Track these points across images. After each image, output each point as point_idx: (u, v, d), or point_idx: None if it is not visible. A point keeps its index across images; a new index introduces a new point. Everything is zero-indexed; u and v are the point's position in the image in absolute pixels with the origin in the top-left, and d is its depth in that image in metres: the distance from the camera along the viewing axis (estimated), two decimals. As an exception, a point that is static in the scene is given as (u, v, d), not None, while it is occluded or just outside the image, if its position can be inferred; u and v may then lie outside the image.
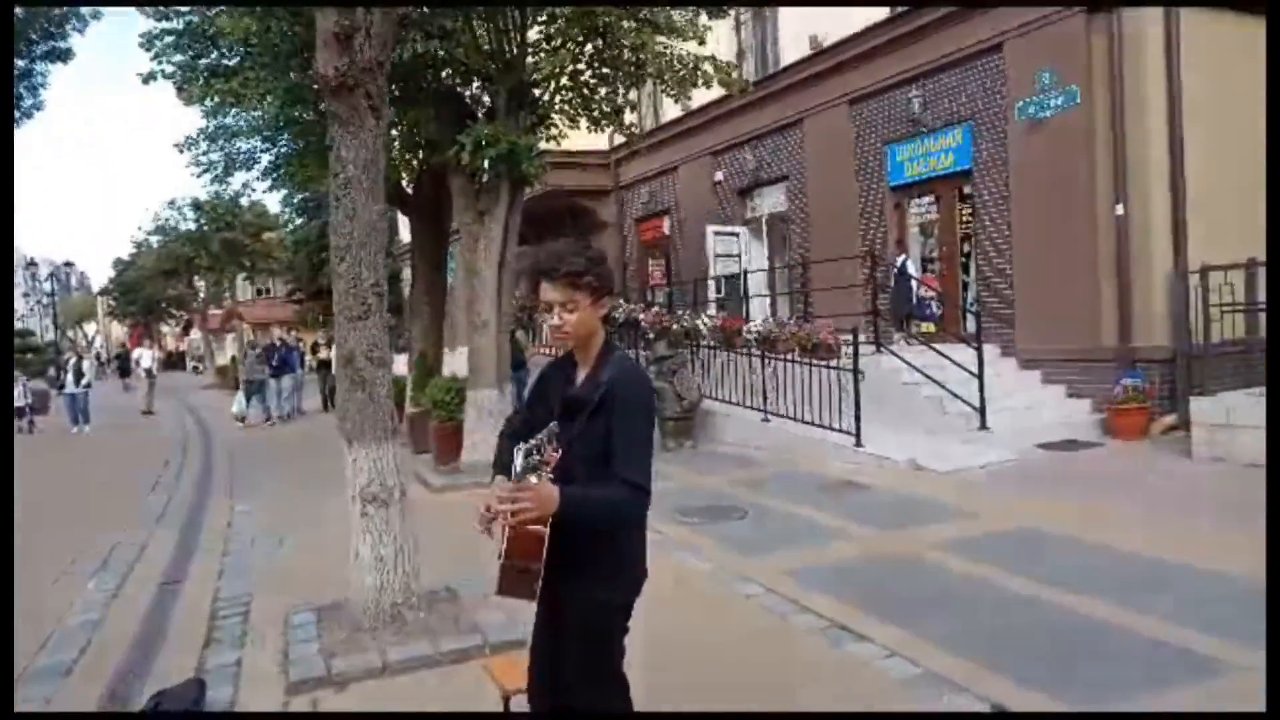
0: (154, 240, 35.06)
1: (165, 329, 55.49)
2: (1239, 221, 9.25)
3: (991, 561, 5.46)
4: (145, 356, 23.65)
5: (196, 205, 32.29)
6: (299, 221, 29.69)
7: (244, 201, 30.97)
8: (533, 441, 2.30)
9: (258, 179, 14.14)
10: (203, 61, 9.88)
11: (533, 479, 2.23)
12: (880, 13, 12.19)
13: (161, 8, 9.85)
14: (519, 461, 2.27)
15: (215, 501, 9.14)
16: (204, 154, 12.95)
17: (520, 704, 2.87)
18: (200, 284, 37.86)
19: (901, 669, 3.99)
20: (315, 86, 9.48)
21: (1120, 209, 9.58)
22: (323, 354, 20.21)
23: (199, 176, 13.53)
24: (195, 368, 47.09)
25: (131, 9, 10.54)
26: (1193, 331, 9.29)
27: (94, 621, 5.21)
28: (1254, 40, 8.81)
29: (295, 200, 25.66)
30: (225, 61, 9.80)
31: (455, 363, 13.81)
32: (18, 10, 17.74)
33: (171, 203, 33.30)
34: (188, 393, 27.96)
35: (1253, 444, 7.61)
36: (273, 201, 32.40)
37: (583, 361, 2.48)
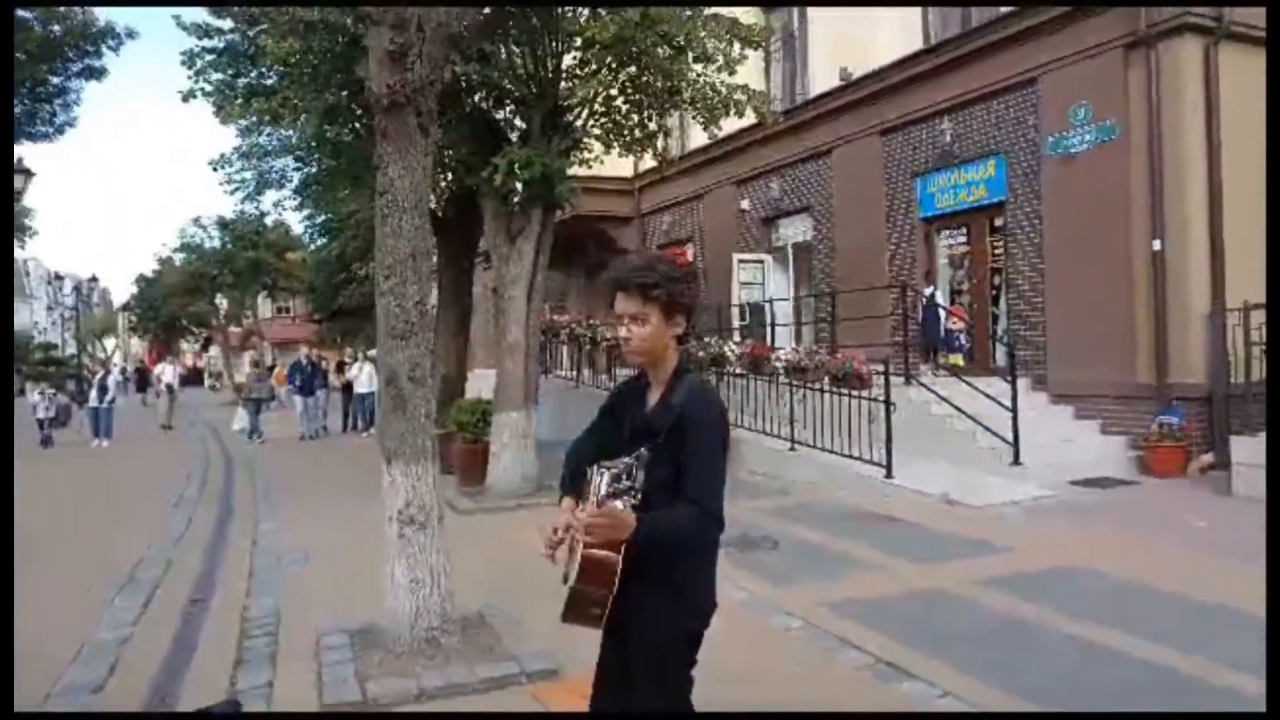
0: (178, 258, 35.34)
1: (185, 345, 55.84)
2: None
3: (1031, 598, 5.33)
4: (168, 372, 23.75)
5: (223, 223, 32.62)
6: (321, 242, 29.89)
7: (268, 221, 31.32)
8: (620, 466, 2.24)
9: (289, 197, 14.24)
10: (242, 80, 9.98)
11: (618, 504, 2.16)
12: (915, 43, 12.20)
13: (204, 19, 9.96)
14: (604, 485, 2.21)
15: (238, 518, 9.09)
16: (237, 172, 13.06)
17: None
18: (222, 301, 38.06)
19: (957, 708, 3.87)
20: (353, 106, 9.65)
21: (1158, 244, 9.47)
22: (348, 374, 20.18)
23: (231, 194, 13.65)
24: (212, 385, 47.30)
25: (163, 27, 10.66)
26: (1232, 370, 9.14)
27: (122, 639, 5.14)
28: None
29: (318, 221, 25.83)
30: (264, 81, 9.90)
31: (479, 384, 13.77)
32: (55, 27, 18.07)
33: (196, 220, 33.57)
34: (205, 409, 28.05)
35: (1297, 485, 7.44)
36: (295, 222, 32.66)
37: (655, 383, 2.42)
